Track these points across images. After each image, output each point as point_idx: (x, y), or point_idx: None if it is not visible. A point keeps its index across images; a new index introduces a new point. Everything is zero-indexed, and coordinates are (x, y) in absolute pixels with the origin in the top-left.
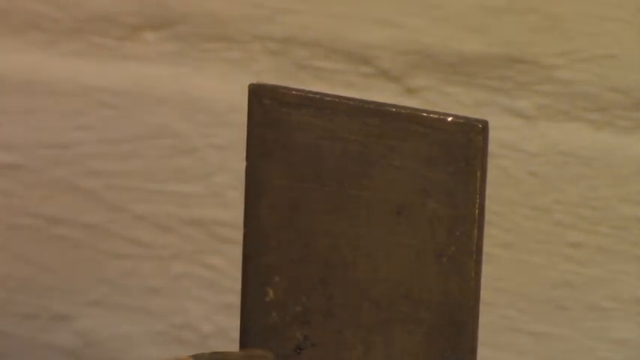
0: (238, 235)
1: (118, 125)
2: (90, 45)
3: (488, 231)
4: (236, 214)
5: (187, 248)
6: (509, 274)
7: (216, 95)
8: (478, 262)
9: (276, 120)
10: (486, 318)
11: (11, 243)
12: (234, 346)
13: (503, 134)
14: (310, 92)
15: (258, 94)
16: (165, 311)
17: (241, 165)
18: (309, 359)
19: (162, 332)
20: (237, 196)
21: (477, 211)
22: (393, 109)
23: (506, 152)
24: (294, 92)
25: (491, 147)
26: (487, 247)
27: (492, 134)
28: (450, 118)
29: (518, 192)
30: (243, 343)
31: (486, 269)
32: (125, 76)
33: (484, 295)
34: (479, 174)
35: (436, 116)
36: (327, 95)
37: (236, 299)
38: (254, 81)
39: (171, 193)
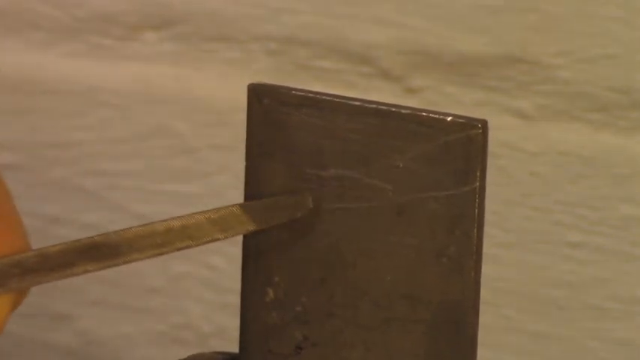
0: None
1: (118, 125)
2: (90, 45)
3: (488, 231)
4: None
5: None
6: (509, 274)
7: (216, 95)
8: (478, 262)
9: (276, 120)
10: (486, 318)
11: None
12: (234, 346)
13: (503, 134)
14: (310, 92)
15: (257, 93)
16: (166, 311)
17: (241, 165)
18: (309, 359)
19: (163, 332)
20: (237, 196)
21: (476, 210)
22: (393, 109)
23: (506, 152)
24: (294, 92)
25: (491, 147)
26: (487, 247)
27: (492, 134)
28: (449, 118)
29: (518, 192)
30: (243, 343)
31: (486, 269)
32: (125, 76)
33: (484, 295)
34: (479, 173)
35: (436, 116)
36: (328, 95)
37: (236, 299)
38: (254, 81)
39: (171, 193)
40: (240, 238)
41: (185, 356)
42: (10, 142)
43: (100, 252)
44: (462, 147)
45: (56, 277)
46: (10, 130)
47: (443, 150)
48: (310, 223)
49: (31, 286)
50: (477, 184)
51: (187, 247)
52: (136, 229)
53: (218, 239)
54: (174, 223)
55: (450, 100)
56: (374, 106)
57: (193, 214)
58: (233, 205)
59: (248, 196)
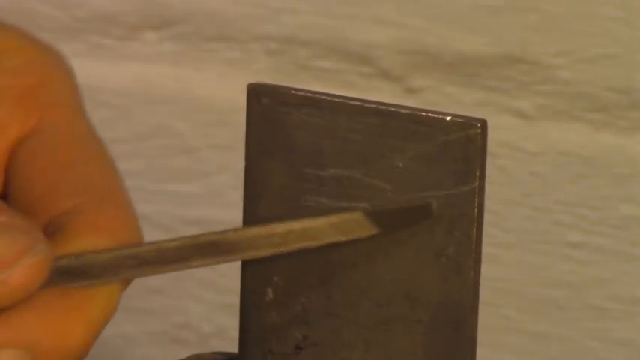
0: None
1: (118, 125)
2: (90, 45)
3: (488, 231)
4: (236, 214)
5: None
6: (509, 274)
7: (216, 95)
8: (477, 262)
9: (276, 119)
10: (486, 318)
11: None
12: (234, 346)
13: (503, 134)
14: (310, 92)
15: (257, 93)
16: (166, 311)
17: (241, 165)
18: (309, 358)
19: (163, 332)
20: (237, 196)
21: (475, 210)
22: (393, 109)
23: (506, 152)
24: (293, 92)
25: (491, 147)
26: (487, 247)
27: (492, 134)
28: (449, 118)
29: (518, 192)
30: (243, 343)
31: (486, 269)
32: (125, 76)
33: (484, 295)
34: (478, 173)
35: (435, 116)
36: (327, 95)
37: (236, 299)
38: (254, 81)
39: (171, 193)
40: None
41: (185, 356)
42: None
43: (217, 249)
44: (462, 147)
45: (170, 269)
46: None
47: (442, 150)
48: None
49: (143, 275)
50: (477, 183)
51: (308, 246)
52: (255, 229)
53: (339, 241)
54: (294, 226)
55: (450, 100)
56: (374, 106)
57: (315, 218)
58: (356, 211)
59: (247, 196)
